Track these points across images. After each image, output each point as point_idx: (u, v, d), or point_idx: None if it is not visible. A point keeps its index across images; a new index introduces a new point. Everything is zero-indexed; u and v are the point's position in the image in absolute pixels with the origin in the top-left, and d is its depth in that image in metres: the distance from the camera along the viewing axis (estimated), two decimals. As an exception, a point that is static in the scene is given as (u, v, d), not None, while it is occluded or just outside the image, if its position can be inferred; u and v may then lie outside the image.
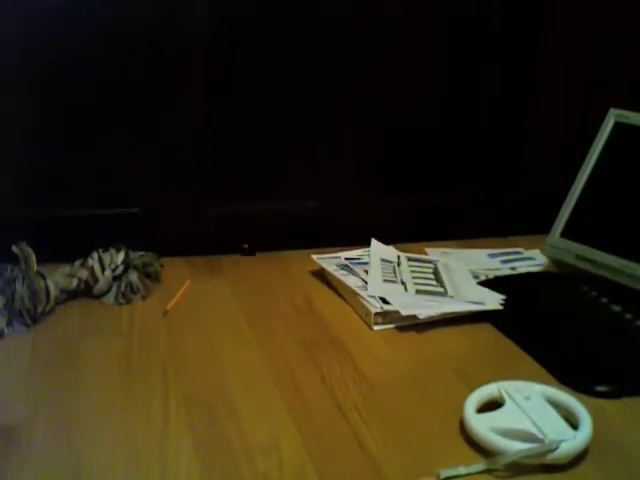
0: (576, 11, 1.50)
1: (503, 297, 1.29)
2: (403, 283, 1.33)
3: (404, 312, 1.22)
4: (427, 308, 1.24)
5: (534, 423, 0.94)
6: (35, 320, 1.21)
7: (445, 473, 0.89)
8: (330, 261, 1.40)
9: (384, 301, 1.25)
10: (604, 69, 1.55)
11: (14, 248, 1.26)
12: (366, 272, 1.35)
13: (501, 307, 1.26)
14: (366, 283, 1.31)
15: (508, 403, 0.99)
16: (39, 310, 1.22)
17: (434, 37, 1.46)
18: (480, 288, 1.34)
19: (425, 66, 1.47)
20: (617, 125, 1.38)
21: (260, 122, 1.43)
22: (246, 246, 1.32)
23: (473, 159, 1.57)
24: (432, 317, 1.23)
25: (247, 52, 1.38)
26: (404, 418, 1.01)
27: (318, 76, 1.43)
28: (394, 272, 1.37)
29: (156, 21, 1.32)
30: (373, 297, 1.26)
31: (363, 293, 1.28)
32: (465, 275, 1.39)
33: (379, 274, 1.35)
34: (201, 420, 0.98)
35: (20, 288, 1.20)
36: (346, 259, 1.41)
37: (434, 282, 1.35)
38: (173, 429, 0.96)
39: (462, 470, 0.90)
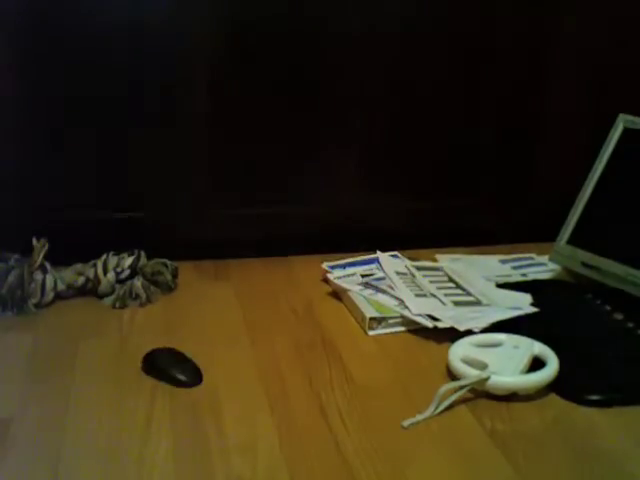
0: (591, 12, 1.48)
1: (530, 296, 1.29)
2: (434, 296, 1.30)
3: (462, 328, 1.18)
4: (476, 320, 1.20)
5: (496, 359, 1.07)
6: (22, 310, 1.26)
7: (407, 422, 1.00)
8: (349, 280, 1.36)
9: (432, 318, 1.22)
10: (618, 73, 1.52)
11: (34, 241, 1.31)
12: (391, 288, 1.32)
13: (537, 309, 1.25)
14: (401, 301, 1.27)
15: (500, 347, 1.12)
16: (33, 302, 1.26)
17: (442, 39, 1.46)
18: (504, 291, 1.33)
19: (434, 67, 1.47)
20: (626, 131, 1.36)
21: (264, 124, 1.44)
22: None
23: (485, 164, 1.56)
24: (484, 328, 1.19)
25: (251, 52, 1.39)
26: (386, 424, 1.00)
27: (322, 76, 1.43)
28: (415, 284, 1.34)
29: (158, 21, 1.35)
30: (420, 315, 1.23)
31: (358, 299, 1.28)
32: (478, 279, 1.38)
33: (407, 289, 1.32)
34: (184, 420, 1.00)
35: (12, 278, 1.25)
36: (362, 276, 1.38)
37: (459, 291, 1.33)
38: (155, 428, 0.98)
39: (419, 416, 1.01)
